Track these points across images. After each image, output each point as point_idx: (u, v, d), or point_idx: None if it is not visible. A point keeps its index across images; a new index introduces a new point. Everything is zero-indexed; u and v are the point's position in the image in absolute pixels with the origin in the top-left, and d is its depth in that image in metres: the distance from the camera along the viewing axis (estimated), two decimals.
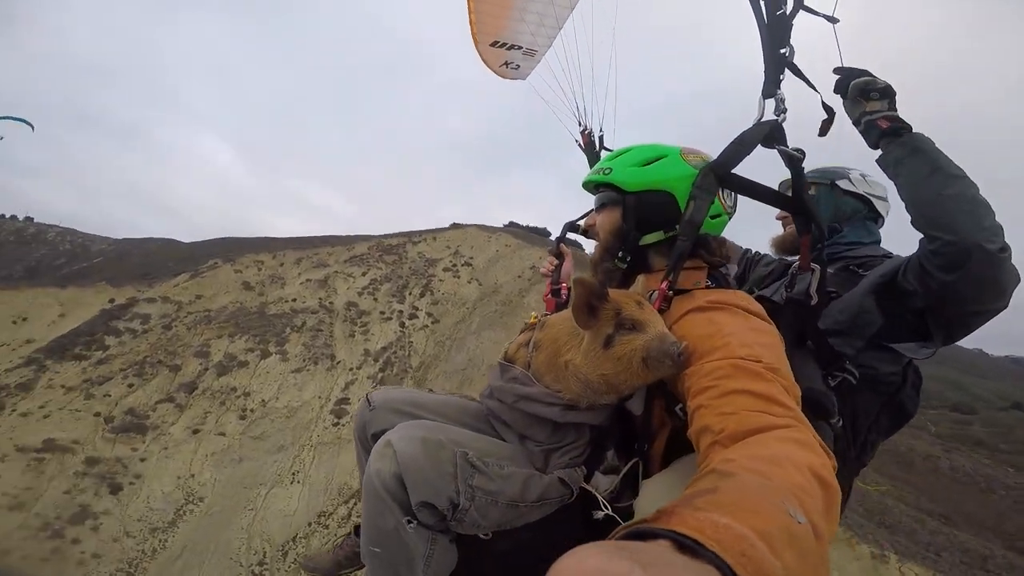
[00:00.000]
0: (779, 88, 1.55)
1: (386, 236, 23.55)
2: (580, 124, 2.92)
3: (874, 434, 1.83)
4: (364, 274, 20.41)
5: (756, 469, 0.80)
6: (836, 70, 1.80)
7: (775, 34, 1.57)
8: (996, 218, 1.55)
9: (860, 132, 1.80)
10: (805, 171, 1.51)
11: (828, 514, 0.79)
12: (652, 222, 1.54)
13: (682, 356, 1.25)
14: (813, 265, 1.52)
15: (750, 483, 0.74)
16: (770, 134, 1.50)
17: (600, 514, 1.36)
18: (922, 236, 1.65)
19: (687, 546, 0.54)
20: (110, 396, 13.88)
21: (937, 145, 1.65)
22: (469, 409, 1.67)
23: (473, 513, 1.34)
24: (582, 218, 1.91)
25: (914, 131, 1.68)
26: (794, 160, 1.48)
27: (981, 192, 1.58)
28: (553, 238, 2.56)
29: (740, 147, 1.48)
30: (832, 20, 1.72)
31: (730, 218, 1.61)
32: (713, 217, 1.51)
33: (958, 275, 1.56)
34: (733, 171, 1.49)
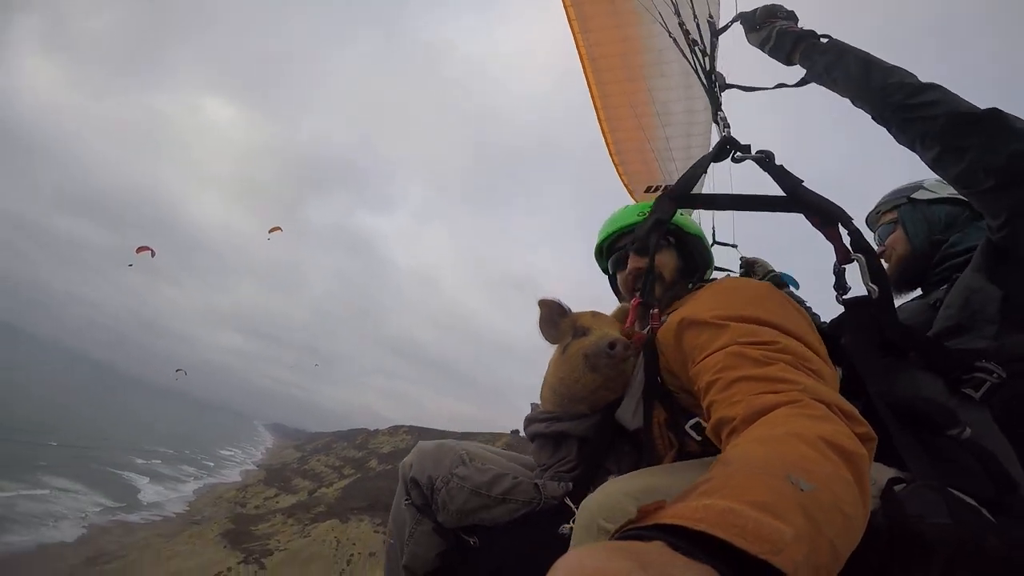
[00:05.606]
0: (720, 110, 1.84)
1: None
2: None
3: None
4: None
5: (753, 451, 0.78)
6: (737, 15, 1.96)
7: (706, 73, 1.93)
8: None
9: (770, 50, 1.81)
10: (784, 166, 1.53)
11: (855, 480, 0.75)
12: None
13: (614, 348, 1.41)
14: (855, 255, 1.34)
15: (744, 464, 0.72)
16: (723, 149, 1.65)
17: (565, 528, 1.37)
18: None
19: (683, 544, 0.52)
20: None
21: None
22: (525, 461, 1.77)
23: (444, 493, 1.54)
24: None
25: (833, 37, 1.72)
26: (764, 162, 1.54)
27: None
28: None
29: (694, 169, 1.64)
30: (737, 19, 1.97)
31: None
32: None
33: (974, 148, 1.33)
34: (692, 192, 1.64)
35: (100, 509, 26.99)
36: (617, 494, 1.13)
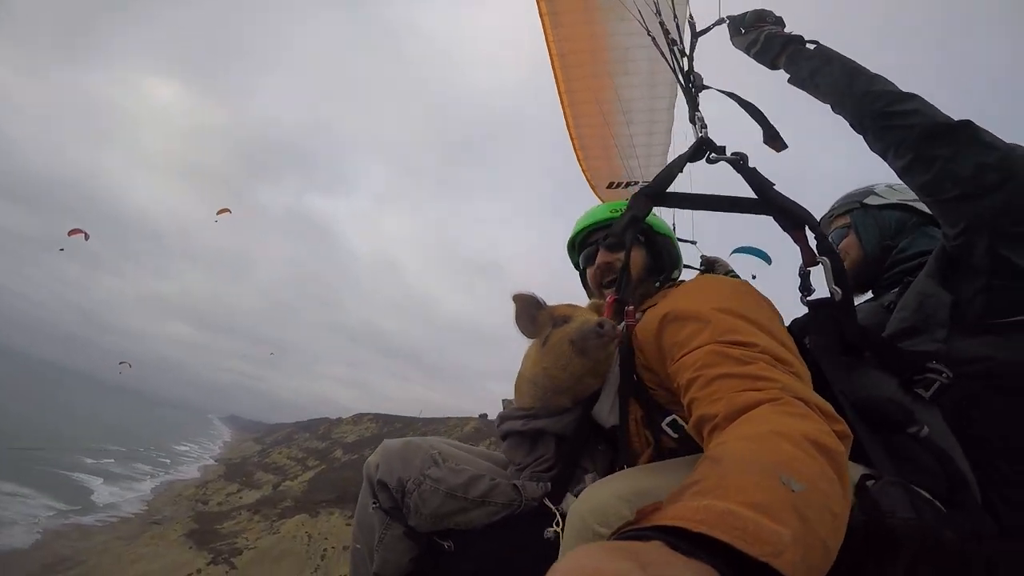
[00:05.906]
0: (698, 110, 1.82)
1: None
2: None
3: None
4: None
5: (742, 450, 0.80)
6: (723, 18, 2.00)
7: (684, 73, 1.92)
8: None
9: (756, 54, 1.86)
10: (757, 169, 1.56)
11: (838, 478, 0.77)
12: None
13: (603, 327, 1.39)
14: (820, 258, 1.39)
15: (735, 464, 0.73)
16: (699, 149, 1.66)
17: (550, 532, 1.36)
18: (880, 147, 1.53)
19: (683, 545, 0.53)
20: None
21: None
22: (494, 458, 1.74)
23: (416, 496, 1.48)
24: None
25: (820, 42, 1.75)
26: (737, 164, 1.57)
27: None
28: None
29: (670, 169, 1.62)
30: (721, 21, 2.00)
31: None
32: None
33: (943, 158, 1.36)
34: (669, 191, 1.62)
35: (53, 513, 25.84)
36: (610, 497, 1.13)
